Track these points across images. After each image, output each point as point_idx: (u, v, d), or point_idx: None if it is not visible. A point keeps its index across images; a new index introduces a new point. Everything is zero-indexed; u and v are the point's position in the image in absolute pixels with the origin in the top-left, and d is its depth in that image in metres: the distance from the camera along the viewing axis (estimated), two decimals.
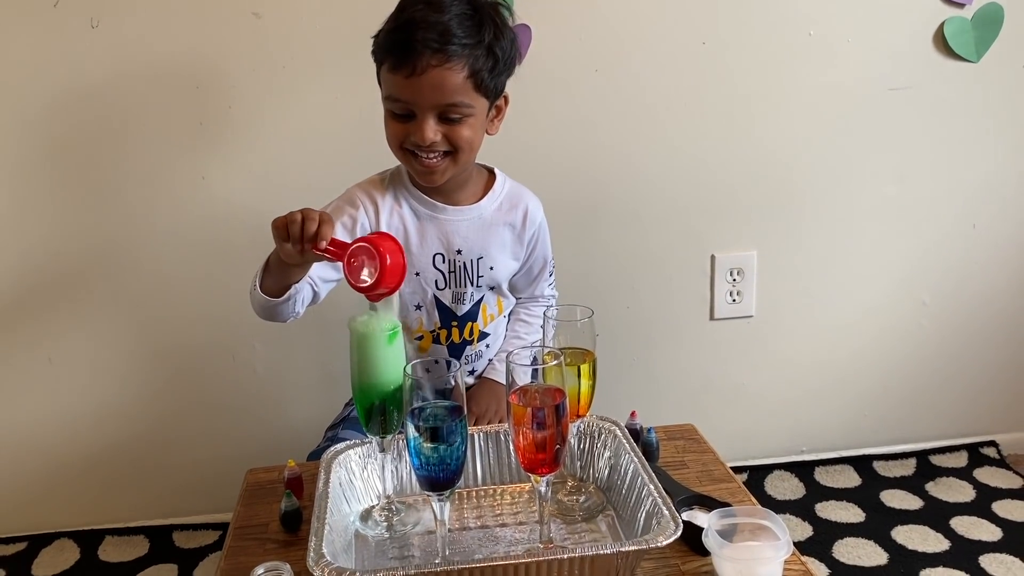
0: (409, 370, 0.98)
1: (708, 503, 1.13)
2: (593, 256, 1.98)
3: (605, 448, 1.22)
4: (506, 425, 1.24)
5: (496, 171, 1.46)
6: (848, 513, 2.05)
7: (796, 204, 1.99)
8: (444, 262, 1.40)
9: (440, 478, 0.98)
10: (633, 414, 1.34)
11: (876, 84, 1.97)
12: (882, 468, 2.23)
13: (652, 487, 1.08)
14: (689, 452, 1.34)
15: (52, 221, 1.80)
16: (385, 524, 1.10)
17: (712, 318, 2.04)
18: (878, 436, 2.21)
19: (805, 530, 2.00)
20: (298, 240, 1.12)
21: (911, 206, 2.08)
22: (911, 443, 2.21)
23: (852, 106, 1.94)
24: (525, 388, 0.99)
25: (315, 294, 1.34)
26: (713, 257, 2.00)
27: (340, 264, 1.10)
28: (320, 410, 1.78)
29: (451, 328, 1.45)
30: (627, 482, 1.14)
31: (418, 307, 1.43)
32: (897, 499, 2.10)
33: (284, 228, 1.13)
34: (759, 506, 1.08)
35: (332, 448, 1.20)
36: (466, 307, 1.44)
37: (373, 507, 1.15)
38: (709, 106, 1.89)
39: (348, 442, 1.20)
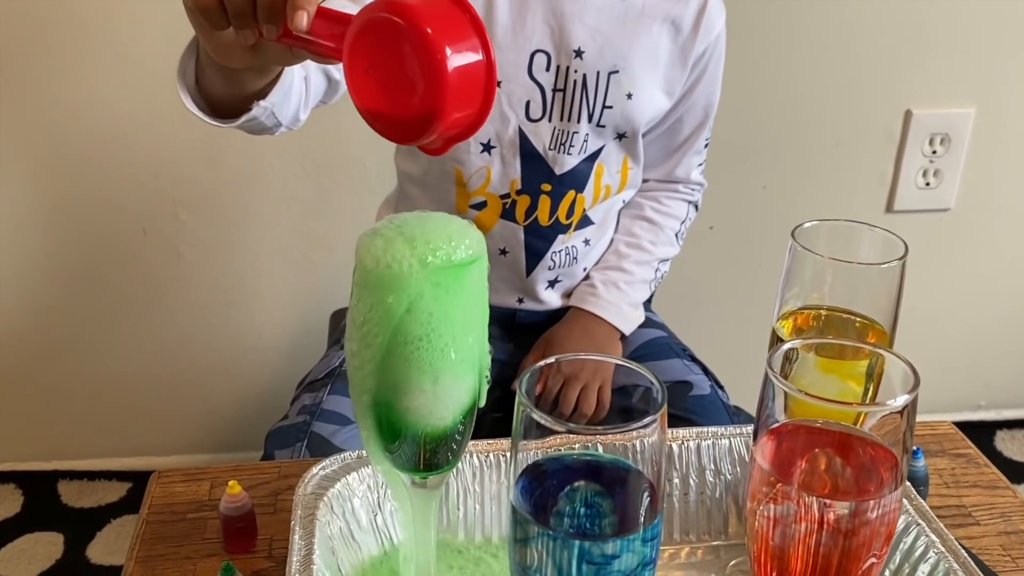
0: (525, 386, 0.50)
1: None
2: (719, 106, 1.54)
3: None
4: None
5: None
6: None
7: None
8: (548, 69, 1.03)
9: None
10: None
11: None
12: None
13: None
14: (966, 486, 0.89)
15: None
16: None
17: (891, 209, 1.71)
18: None
19: None
20: (247, 19, 0.63)
21: None
22: None
23: None
24: (791, 431, 0.50)
25: (329, 82, 0.94)
26: (908, 114, 1.63)
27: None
28: (283, 321, 1.59)
29: (538, 195, 1.08)
30: None
31: (487, 147, 1.05)
32: None
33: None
34: None
35: (314, 471, 0.75)
36: (573, 161, 1.07)
37: None
38: None
39: (344, 457, 0.76)
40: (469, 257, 0.57)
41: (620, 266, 1.14)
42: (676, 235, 1.18)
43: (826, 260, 0.63)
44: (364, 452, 0.76)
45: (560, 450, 0.51)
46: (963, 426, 1.94)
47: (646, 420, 0.46)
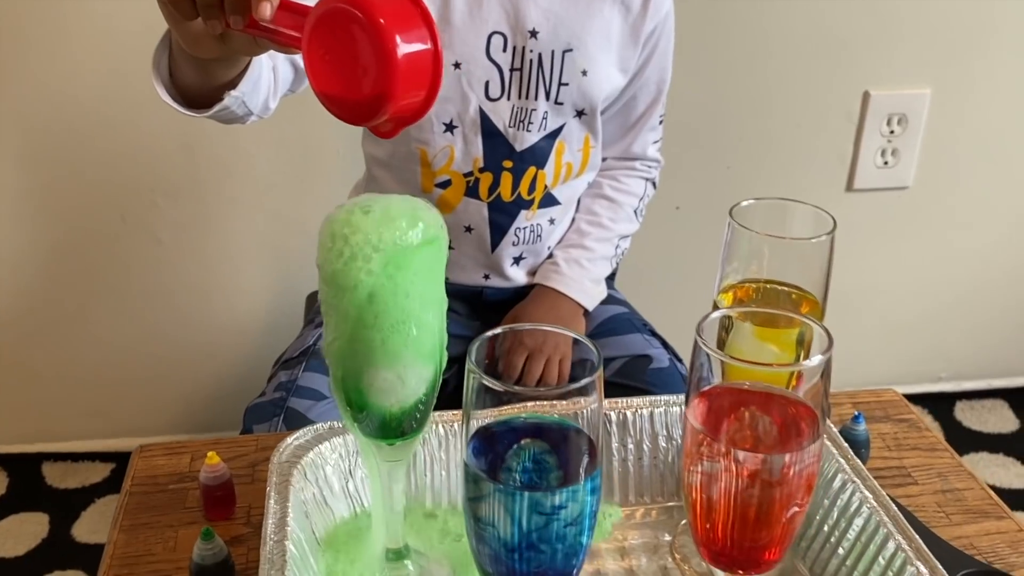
0: (474, 355, 0.52)
1: None
2: (684, 89, 1.55)
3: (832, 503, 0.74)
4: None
5: None
6: (1009, 475, 1.76)
7: (1007, 21, 1.62)
8: (506, 49, 1.05)
9: None
10: None
11: None
12: None
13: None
14: (907, 449, 0.93)
15: None
16: None
17: (850, 188, 1.73)
18: None
19: None
20: (214, 9, 0.66)
21: None
22: None
23: None
24: (720, 393, 0.52)
25: (296, 71, 0.98)
26: (867, 95, 1.65)
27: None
28: (260, 303, 1.60)
29: (500, 172, 1.10)
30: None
31: (450, 127, 1.07)
32: None
33: None
34: None
35: (288, 441, 0.77)
36: (532, 138, 1.09)
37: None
38: None
39: (317, 428, 0.78)
40: (427, 239, 0.59)
41: (582, 244, 1.15)
42: (635, 212, 1.20)
43: (762, 236, 0.66)
44: (336, 424, 0.79)
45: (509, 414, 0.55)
46: (924, 397, 2.01)
47: (583, 382, 0.50)
